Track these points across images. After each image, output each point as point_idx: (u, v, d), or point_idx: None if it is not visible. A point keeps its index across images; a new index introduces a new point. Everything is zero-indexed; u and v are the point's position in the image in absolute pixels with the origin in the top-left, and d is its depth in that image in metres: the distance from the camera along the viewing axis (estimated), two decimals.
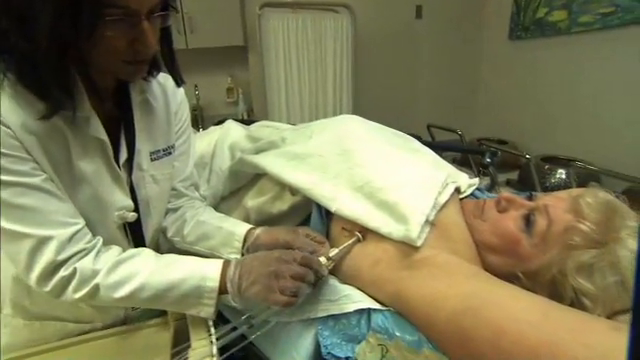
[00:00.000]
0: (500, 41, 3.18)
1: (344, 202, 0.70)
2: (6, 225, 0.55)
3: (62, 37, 0.50)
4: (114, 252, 0.64)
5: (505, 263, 0.65)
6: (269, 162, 0.81)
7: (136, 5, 0.52)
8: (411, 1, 3.14)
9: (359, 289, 0.66)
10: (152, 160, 0.74)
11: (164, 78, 0.76)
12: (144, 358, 0.68)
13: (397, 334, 0.57)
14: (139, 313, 0.80)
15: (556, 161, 2.35)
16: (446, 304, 0.52)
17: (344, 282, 0.68)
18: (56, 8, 0.48)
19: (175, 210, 0.83)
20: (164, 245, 0.88)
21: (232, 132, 1.08)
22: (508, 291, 0.52)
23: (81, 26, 0.49)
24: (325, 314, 0.64)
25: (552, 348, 0.40)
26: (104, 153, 0.64)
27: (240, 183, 0.91)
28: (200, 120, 2.94)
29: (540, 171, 2.22)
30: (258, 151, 0.89)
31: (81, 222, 0.61)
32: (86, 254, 0.60)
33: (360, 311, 0.62)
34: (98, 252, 0.62)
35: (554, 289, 0.59)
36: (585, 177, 2.04)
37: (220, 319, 0.70)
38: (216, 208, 0.95)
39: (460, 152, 2.36)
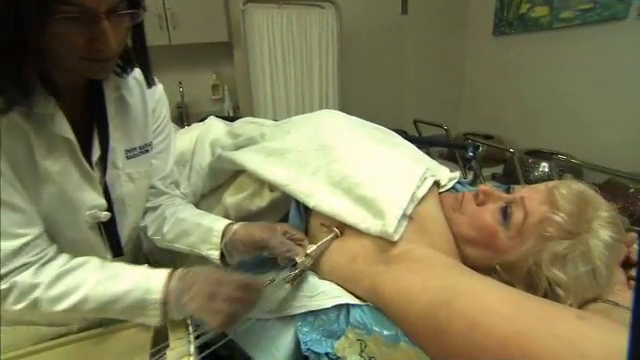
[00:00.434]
0: (485, 36, 3.22)
1: (322, 198, 0.69)
2: None
3: (9, 33, 0.48)
4: (59, 262, 0.62)
5: (483, 256, 0.66)
6: (247, 158, 0.80)
7: (92, 4, 0.50)
8: None
9: (338, 285, 0.66)
10: (128, 158, 0.72)
11: (141, 74, 0.74)
12: None
13: (375, 329, 0.58)
14: None
15: (539, 155, 2.39)
16: (421, 297, 0.52)
17: (323, 278, 0.68)
18: (1, 4, 0.46)
19: (155, 209, 0.82)
20: (146, 244, 0.87)
21: (213, 129, 1.07)
22: (483, 284, 0.52)
23: (29, 22, 0.47)
24: (303, 310, 0.64)
25: (521, 339, 0.40)
26: (72, 151, 0.63)
27: (220, 180, 0.90)
28: (185, 117, 2.90)
29: (524, 165, 2.25)
30: (237, 147, 0.88)
31: (33, 232, 0.59)
32: (28, 268, 0.59)
33: (339, 307, 0.62)
34: (44, 264, 0.60)
35: (530, 280, 0.59)
36: (567, 170, 2.08)
37: None
38: (197, 206, 0.94)
39: (443, 147, 2.38)
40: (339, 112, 0.91)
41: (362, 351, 0.58)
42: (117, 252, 0.75)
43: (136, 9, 0.57)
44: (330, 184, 0.71)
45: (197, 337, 0.63)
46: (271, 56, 2.66)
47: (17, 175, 0.57)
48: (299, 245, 0.68)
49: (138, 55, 0.67)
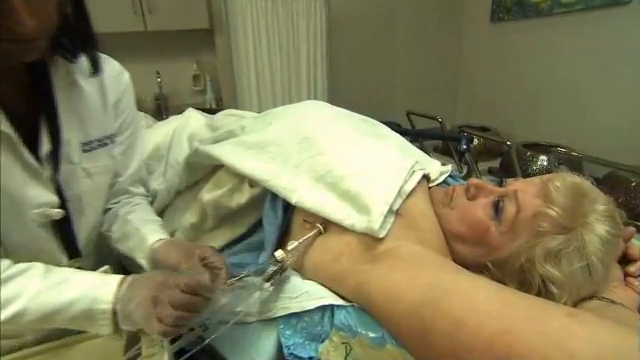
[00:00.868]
0: (482, 23, 3.23)
1: (305, 193, 0.69)
2: None
3: None
4: None
5: (474, 253, 0.66)
6: (225, 152, 0.79)
7: None
8: None
9: (322, 285, 0.65)
10: (84, 152, 0.71)
11: (102, 61, 0.72)
12: None
13: (360, 331, 0.57)
14: None
15: (538, 148, 2.41)
16: (406, 296, 0.52)
17: (306, 278, 0.68)
18: None
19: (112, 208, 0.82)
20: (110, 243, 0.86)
21: (192, 121, 1.05)
22: (471, 282, 0.52)
23: None
24: (285, 313, 0.63)
25: (508, 338, 0.40)
26: (12, 146, 0.60)
27: (197, 176, 0.89)
28: (164, 110, 2.87)
29: (522, 158, 2.27)
30: (216, 141, 0.87)
31: None
32: None
33: (323, 308, 0.62)
34: None
35: (523, 278, 0.60)
36: (567, 163, 2.10)
37: None
38: (172, 203, 0.94)
39: (435, 139, 2.39)
40: (324, 103, 0.90)
41: (347, 355, 0.58)
42: (74, 254, 0.73)
43: None
44: (313, 178, 0.70)
45: (172, 342, 0.62)
46: (255, 43, 2.64)
47: None
48: (216, 274, 0.64)
49: (77, 35, 0.63)
